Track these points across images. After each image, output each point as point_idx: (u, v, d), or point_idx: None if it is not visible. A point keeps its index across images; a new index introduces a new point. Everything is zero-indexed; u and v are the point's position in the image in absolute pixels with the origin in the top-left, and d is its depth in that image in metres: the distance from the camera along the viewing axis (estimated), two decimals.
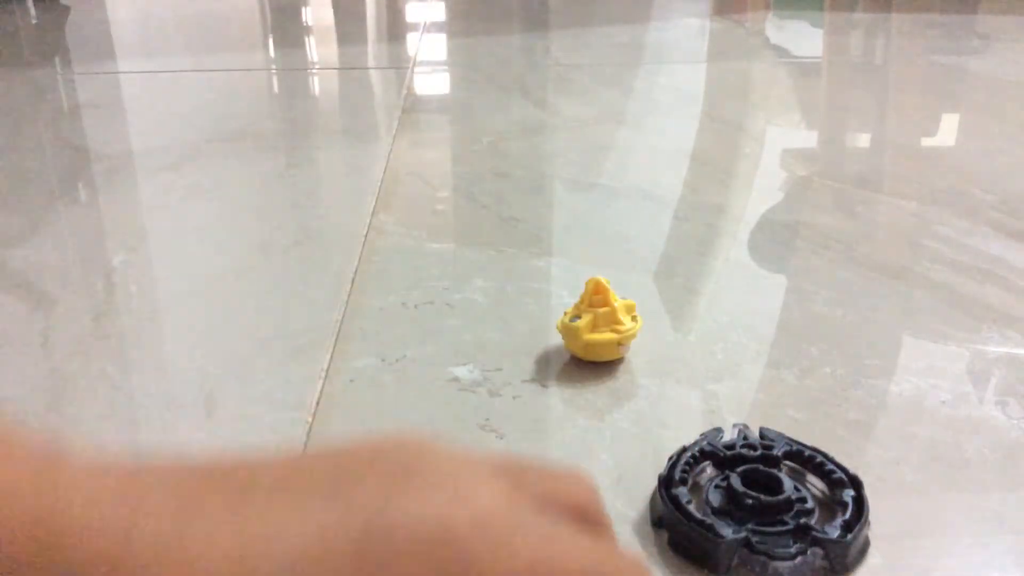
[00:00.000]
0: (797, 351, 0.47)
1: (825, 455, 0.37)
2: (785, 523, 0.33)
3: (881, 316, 0.51)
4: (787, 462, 0.37)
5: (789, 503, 0.34)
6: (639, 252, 0.59)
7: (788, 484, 0.35)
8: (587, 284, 0.46)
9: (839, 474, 0.36)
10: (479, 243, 0.61)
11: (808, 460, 0.37)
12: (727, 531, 0.32)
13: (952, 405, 0.42)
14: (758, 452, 0.37)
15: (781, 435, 0.38)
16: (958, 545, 0.34)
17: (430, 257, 0.59)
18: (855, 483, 0.35)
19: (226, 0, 1.58)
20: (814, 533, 0.32)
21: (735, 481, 0.34)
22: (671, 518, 0.34)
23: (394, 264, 0.57)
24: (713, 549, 0.32)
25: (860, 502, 0.34)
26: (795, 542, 0.32)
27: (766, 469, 0.36)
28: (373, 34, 1.41)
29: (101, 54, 1.22)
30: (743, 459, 0.36)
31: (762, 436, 0.38)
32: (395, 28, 1.45)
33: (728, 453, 0.37)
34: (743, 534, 0.32)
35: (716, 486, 0.35)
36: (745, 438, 0.38)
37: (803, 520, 0.33)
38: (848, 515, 0.33)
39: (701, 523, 0.33)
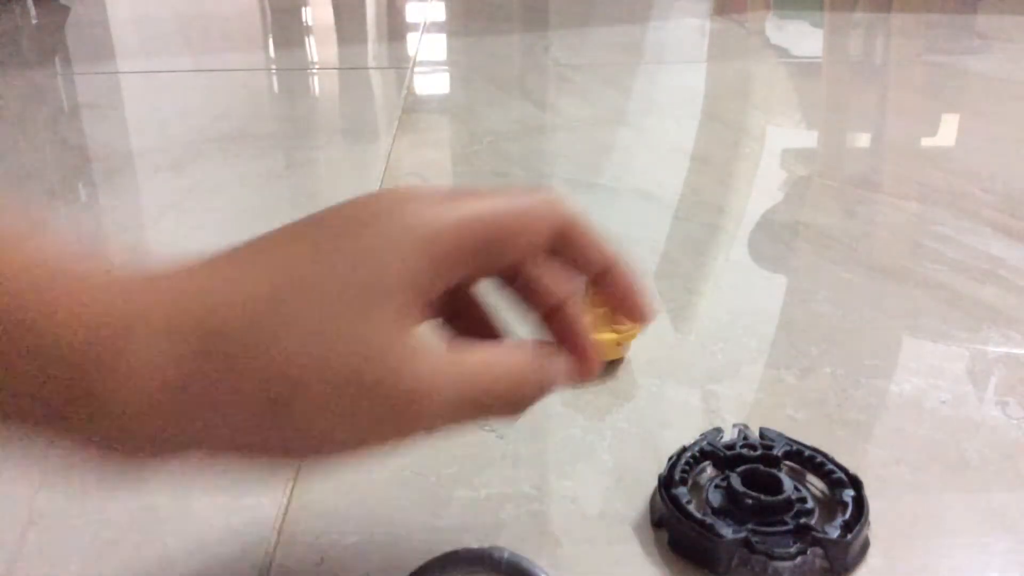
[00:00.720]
0: (797, 351, 0.47)
1: (825, 455, 0.37)
2: (785, 523, 0.33)
3: (881, 316, 0.51)
4: (787, 462, 0.37)
5: (789, 503, 0.34)
6: (639, 252, 0.59)
7: (788, 484, 0.35)
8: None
9: (839, 474, 0.36)
10: None
11: (808, 460, 0.37)
12: (727, 531, 0.32)
13: (952, 405, 0.42)
14: (758, 452, 0.37)
15: (781, 435, 0.38)
16: (958, 545, 0.34)
17: None
18: (855, 483, 0.35)
19: (226, 0, 1.58)
20: (814, 533, 0.32)
21: (735, 481, 0.35)
22: (671, 518, 0.34)
23: None
24: (713, 548, 0.32)
25: (860, 502, 0.34)
26: (795, 542, 0.32)
27: (766, 469, 0.36)
28: (373, 34, 1.41)
29: (101, 54, 1.22)
30: (743, 459, 0.36)
31: (762, 436, 0.38)
32: (395, 28, 1.45)
33: (728, 453, 0.37)
34: (743, 534, 0.32)
35: (716, 486, 0.35)
36: (745, 438, 0.38)
37: (803, 520, 0.33)
38: (848, 515, 0.33)
39: (701, 523, 0.33)
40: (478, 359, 0.25)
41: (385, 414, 0.23)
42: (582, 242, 0.28)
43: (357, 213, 0.24)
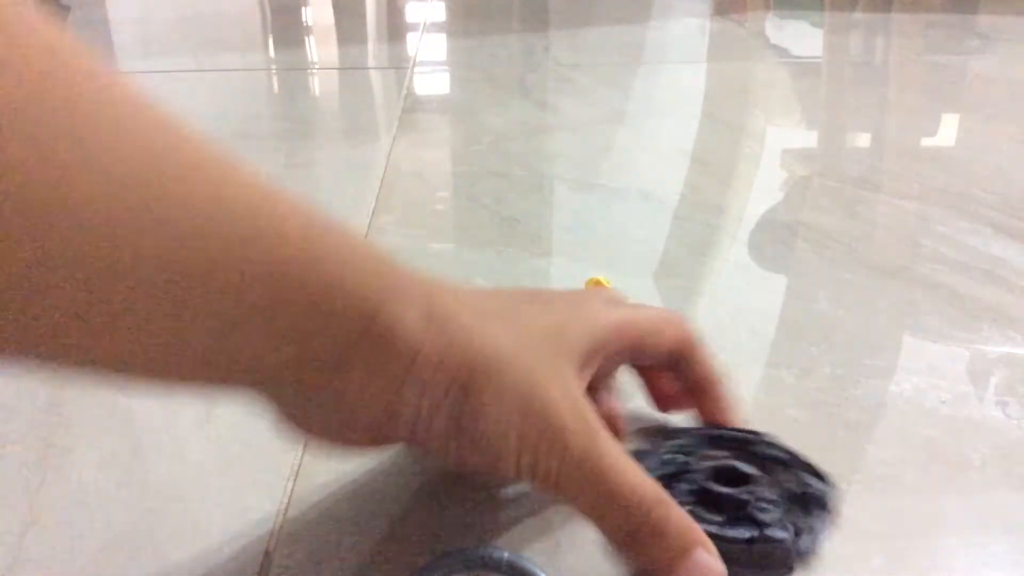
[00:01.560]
0: (797, 351, 0.47)
1: (798, 457, 0.36)
2: (741, 519, 0.33)
3: (881, 316, 0.51)
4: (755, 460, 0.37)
5: (746, 501, 0.33)
6: (639, 252, 0.59)
7: (754, 479, 0.34)
8: (587, 284, 0.46)
9: (812, 484, 0.35)
10: (479, 243, 0.61)
11: (778, 460, 0.36)
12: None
13: (952, 405, 0.42)
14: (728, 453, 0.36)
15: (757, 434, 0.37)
16: (958, 545, 0.34)
17: (430, 257, 0.59)
18: (819, 499, 0.35)
19: (226, 0, 1.58)
20: (764, 531, 0.32)
21: (704, 477, 0.34)
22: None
23: None
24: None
25: (817, 504, 0.34)
26: (748, 534, 0.32)
27: (736, 464, 0.35)
28: (373, 34, 1.41)
29: (101, 54, 1.21)
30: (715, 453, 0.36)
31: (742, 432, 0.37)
32: (395, 28, 1.45)
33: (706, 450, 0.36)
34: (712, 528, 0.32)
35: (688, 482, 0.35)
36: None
37: (758, 515, 0.33)
38: (802, 519, 0.33)
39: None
40: (632, 465, 0.29)
41: (547, 442, 0.28)
42: (697, 358, 0.36)
43: (551, 298, 0.32)
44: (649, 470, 0.31)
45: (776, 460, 0.36)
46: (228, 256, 0.24)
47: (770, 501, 0.34)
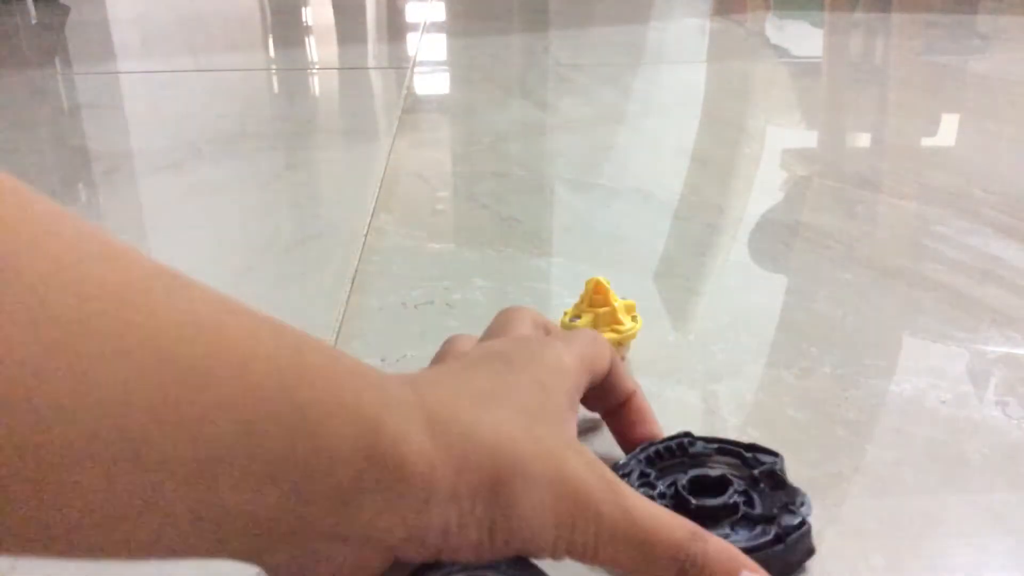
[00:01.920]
0: (797, 351, 0.47)
1: (731, 442, 0.36)
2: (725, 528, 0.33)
3: (881, 316, 0.51)
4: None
5: (731, 507, 0.33)
6: (639, 252, 0.59)
7: (730, 487, 0.34)
8: (587, 284, 0.46)
9: (764, 460, 0.35)
10: (479, 243, 0.61)
11: (722, 452, 0.36)
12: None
13: (952, 405, 0.42)
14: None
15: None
16: (958, 545, 0.34)
17: (430, 257, 0.59)
18: (776, 472, 0.34)
19: (226, 0, 1.58)
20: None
21: (682, 485, 0.34)
22: None
23: (394, 264, 0.57)
24: None
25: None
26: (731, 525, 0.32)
27: (713, 474, 0.35)
28: (373, 34, 1.41)
29: (101, 54, 1.22)
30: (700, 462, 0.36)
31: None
32: (395, 28, 1.45)
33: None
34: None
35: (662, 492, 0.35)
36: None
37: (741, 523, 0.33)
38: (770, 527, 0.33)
39: None
40: (656, 507, 0.28)
41: (571, 502, 0.27)
42: (618, 372, 0.37)
43: (517, 354, 0.31)
44: None
45: (721, 452, 0.36)
46: (186, 392, 0.20)
47: (748, 495, 0.34)
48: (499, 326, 0.35)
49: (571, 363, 0.32)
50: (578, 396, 0.32)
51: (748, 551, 0.31)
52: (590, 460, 0.28)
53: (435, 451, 0.25)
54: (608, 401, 0.38)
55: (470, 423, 0.26)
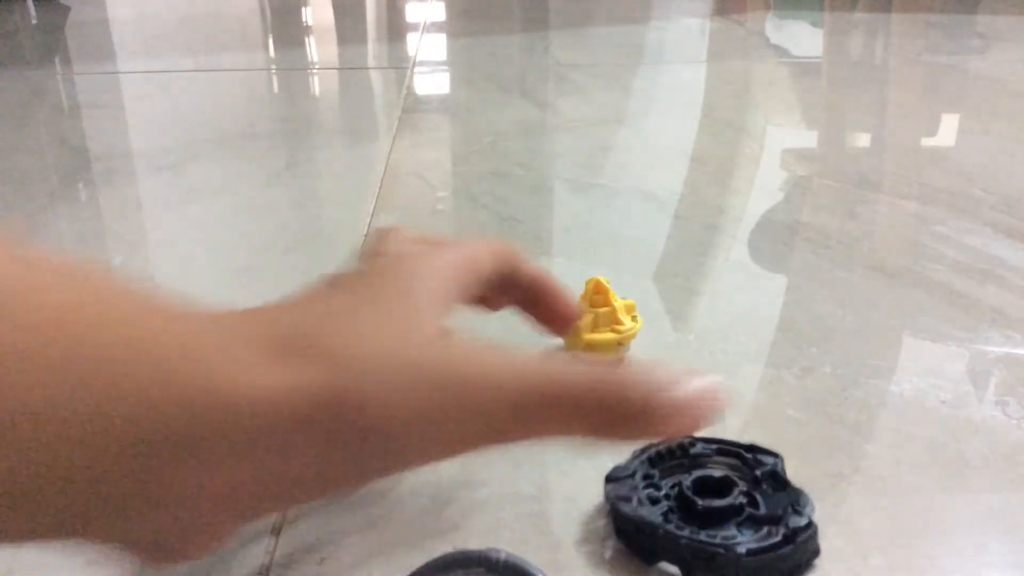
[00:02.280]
0: (797, 351, 0.47)
1: (732, 443, 0.36)
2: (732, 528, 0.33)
3: (881, 316, 0.51)
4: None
5: (736, 508, 0.33)
6: (639, 252, 0.59)
7: (734, 489, 0.34)
8: (587, 284, 0.46)
9: (765, 461, 0.35)
10: None
11: (723, 453, 0.36)
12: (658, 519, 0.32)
13: (952, 405, 0.42)
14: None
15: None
16: (958, 545, 0.34)
17: None
18: (777, 473, 0.34)
19: (226, 0, 1.58)
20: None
21: (686, 487, 0.34)
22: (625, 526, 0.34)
23: None
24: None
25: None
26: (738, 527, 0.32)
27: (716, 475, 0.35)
28: (373, 34, 1.41)
29: (101, 54, 1.22)
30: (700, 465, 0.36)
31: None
32: (395, 28, 1.45)
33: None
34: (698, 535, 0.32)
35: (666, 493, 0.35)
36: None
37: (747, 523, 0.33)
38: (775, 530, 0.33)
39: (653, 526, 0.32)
40: (566, 360, 0.27)
41: (458, 402, 0.25)
42: (523, 264, 0.36)
43: (379, 271, 0.30)
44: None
45: (721, 453, 0.36)
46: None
47: (752, 496, 0.34)
48: (373, 247, 0.33)
49: (440, 265, 0.30)
50: (453, 295, 0.30)
51: (757, 552, 0.31)
52: (465, 345, 0.26)
53: (281, 378, 0.22)
54: (514, 293, 0.36)
55: (327, 344, 0.24)
